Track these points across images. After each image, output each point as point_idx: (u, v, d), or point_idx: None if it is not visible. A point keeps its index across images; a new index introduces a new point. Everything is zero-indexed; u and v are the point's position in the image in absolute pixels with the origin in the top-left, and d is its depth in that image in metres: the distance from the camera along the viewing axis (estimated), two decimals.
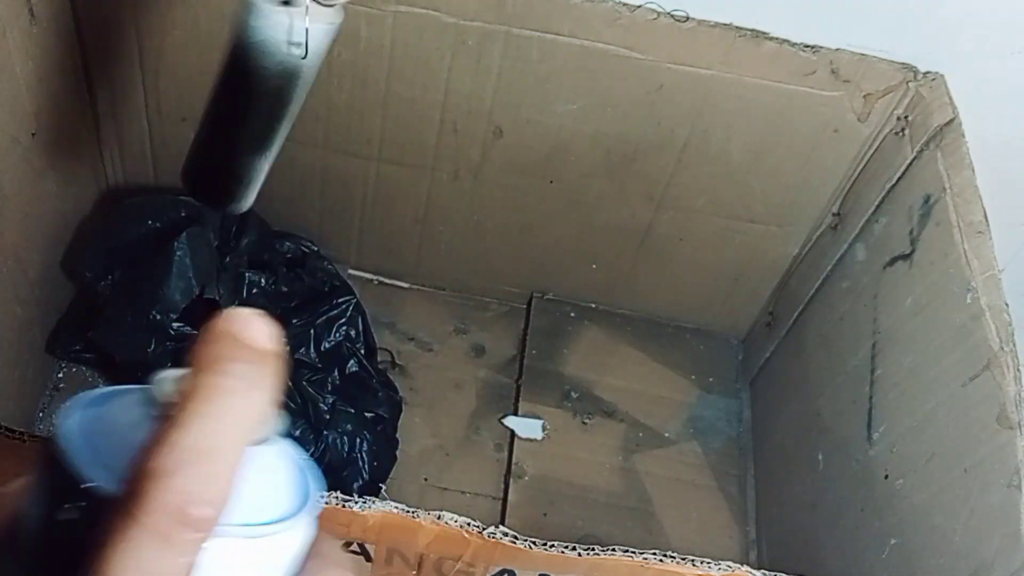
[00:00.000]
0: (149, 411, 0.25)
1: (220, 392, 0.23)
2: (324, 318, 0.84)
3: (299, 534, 0.26)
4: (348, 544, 0.50)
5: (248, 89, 0.52)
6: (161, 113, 0.83)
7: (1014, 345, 0.58)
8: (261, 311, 0.25)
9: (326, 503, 0.46)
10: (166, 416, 0.23)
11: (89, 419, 0.26)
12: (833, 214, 0.82)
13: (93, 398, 0.27)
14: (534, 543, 0.47)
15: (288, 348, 0.82)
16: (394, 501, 0.47)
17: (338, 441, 0.80)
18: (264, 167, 0.57)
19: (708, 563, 0.47)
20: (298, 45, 0.50)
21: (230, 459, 0.23)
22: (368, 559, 0.51)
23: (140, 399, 0.25)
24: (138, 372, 0.81)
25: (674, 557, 0.47)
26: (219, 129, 0.55)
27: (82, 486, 0.23)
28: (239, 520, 0.24)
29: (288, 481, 0.27)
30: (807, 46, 0.72)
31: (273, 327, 0.24)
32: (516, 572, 0.50)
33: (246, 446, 0.23)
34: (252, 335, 0.24)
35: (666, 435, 0.92)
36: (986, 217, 0.64)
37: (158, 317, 0.78)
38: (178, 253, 0.79)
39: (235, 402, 0.23)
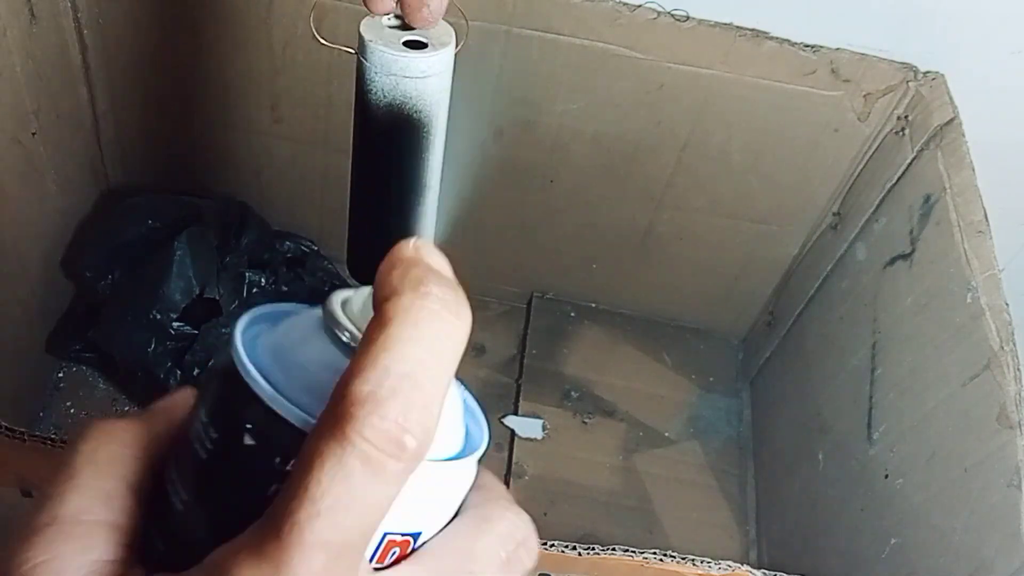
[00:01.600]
0: (329, 332, 0.24)
1: (429, 315, 0.21)
2: None
3: (471, 470, 0.26)
4: None
5: (393, 147, 0.49)
6: (161, 113, 0.83)
7: (1014, 345, 0.58)
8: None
9: None
10: (367, 338, 0.21)
11: (260, 341, 0.25)
12: (833, 214, 0.82)
13: (262, 315, 0.26)
14: None
15: None
16: None
17: None
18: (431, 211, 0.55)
19: (708, 562, 0.47)
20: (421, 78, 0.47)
21: (441, 388, 0.22)
22: None
23: (314, 321, 0.24)
24: (138, 372, 0.81)
25: (674, 556, 0.47)
26: (385, 208, 0.53)
27: (270, 408, 0.22)
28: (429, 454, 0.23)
29: (462, 417, 0.27)
30: (807, 46, 0.72)
31: (446, 258, 0.23)
32: None
33: (452, 376, 0.22)
34: (440, 265, 0.23)
35: (666, 435, 0.92)
36: (986, 217, 0.64)
37: (158, 317, 0.78)
38: (178, 253, 0.79)
39: (442, 327, 0.22)
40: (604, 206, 0.87)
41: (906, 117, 0.74)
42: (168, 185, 0.89)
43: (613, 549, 0.47)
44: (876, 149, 0.77)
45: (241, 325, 0.25)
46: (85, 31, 0.76)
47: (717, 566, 0.47)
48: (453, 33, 0.47)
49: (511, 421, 0.91)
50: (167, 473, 0.25)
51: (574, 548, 0.47)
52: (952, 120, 0.70)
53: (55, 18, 0.73)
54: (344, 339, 0.24)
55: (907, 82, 0.72)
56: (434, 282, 0.22)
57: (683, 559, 0.47)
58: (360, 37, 0.45)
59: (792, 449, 0.84)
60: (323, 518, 0.20)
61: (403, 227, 0.54)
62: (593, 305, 0.99)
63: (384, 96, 0.47)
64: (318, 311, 0.25)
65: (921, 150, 0.72)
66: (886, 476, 0.67)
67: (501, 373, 0.95)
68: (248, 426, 0.23)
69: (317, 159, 0.85)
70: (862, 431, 0.71)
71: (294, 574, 0.20)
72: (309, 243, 0.91)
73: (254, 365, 0.23)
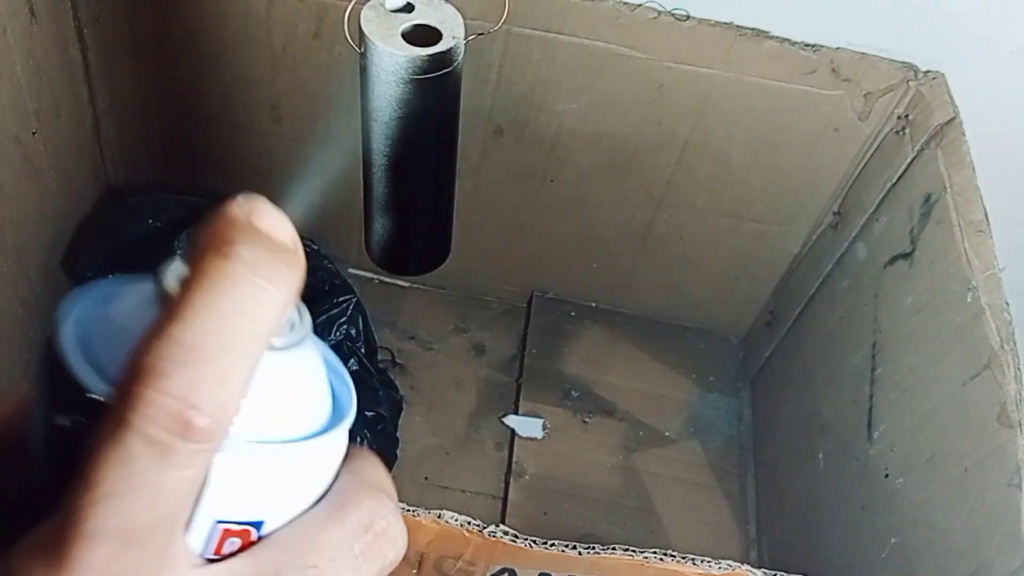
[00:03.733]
0: (156, 299, 0.21)
1: (230, 280, 0.19)
2: (324, 317, 0.84)
3: (329, 451, 0.23)
4: None
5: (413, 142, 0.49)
6: (161, 113, 0.83)
7: (1014, 344, 0.58)
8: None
9: None
10: (165, 306, 0.19)
11: (91, 315, 0.23)
12: (834, 213, 0.82)
13: (98, 290, 0.24)
14: (534, 542, 0.47)
15: None
16: None
17: None
18: (450, 214, 0.54)
19: (708, 562, 0.47)
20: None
21: (240, 360, 0.19)
22: None
23: (147, 291, 0.22)
24: None
25: (674, 556, 0.47)
26: (407, 197, 0.52)
27: (80, 391, 0.20)
28: (259, 435, 0.21)
29: (318, 393, 0.23)
30: (807, 45, 0.72)
31: (288, 218, 0.21)
32: (516, 571, 0.50)
33: (262, 348, 0.20)
34: (272, 226, 0.20)
35: (666, 434, 0.92)
36: (986, 216, 0.64)
37: None
38: (178, 252, 0.79)
39: (247, 293, 0.19)
40: (604, 206, 0.87)
41: (906, 116, 0.74)
42: (168, 185, 0.89)
43: (613, 548, 0.47)
44: (876, 148, 0.77)
45: (79, 293, 0.23)
46: (85, 30, 0.76)
47: (717, 565, 0.47)
48: (460, 17, 0.47)
49: (511, 420, 0.91)
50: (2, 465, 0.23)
51: (574, 548, 0.47)
52: (952, 119, 0.70)
53: (55, 18, 0.73)
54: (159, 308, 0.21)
55: (907, 81, 0.72)
56: (245, 242, 0.19)
57: (683, 558, 0.47)
58: (362, 35, 0.45)
59: (792, 448, 0.84)
60: (103, 504, 0.19)
61: (425, 208, 0.54)
62: (593, 304, 0.99)
63: (395, 94, 0.46)
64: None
65: (921, 149, 0.72)
66: (886, 475, 0.67)
67: (501, 372, 0.95)
68: (63, 405, 0.21)
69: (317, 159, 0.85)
70: (862, 430, 0.71)
71: (77, 566, 0.19)
72: (309, 243, 0.91)
73: (75, 342, 0.21)
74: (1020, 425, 0.55)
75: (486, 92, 0.78)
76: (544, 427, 0.91)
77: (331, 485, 0.24)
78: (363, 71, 0.48)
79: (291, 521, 0.23)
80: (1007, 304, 0.60)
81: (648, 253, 0.91)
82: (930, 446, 0.63)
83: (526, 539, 0.47)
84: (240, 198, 0.20)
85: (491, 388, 0.93)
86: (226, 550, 0.22)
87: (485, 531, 0.47)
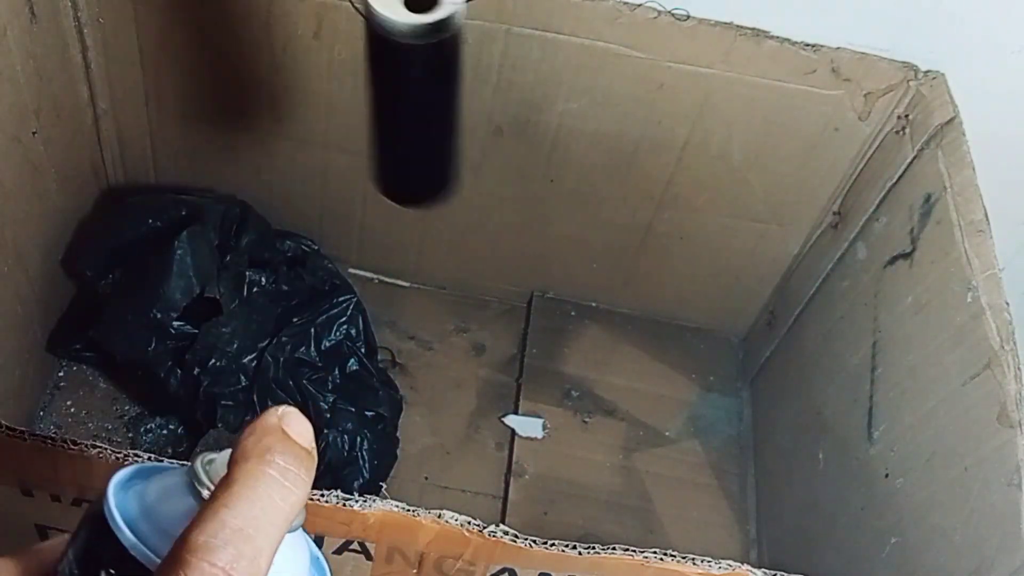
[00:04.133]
0: (191, 488, 0.27)
1: (268, 481, 0.25)
2: (324, 317, 0.84)
3: None
4: (348, 543, 0.50)
5: (401, 70, 0.50)
6: (161, 113, 0.83)
7: (1014, 344, 0.58)
8: (298, 412, 0.27)
9: (326, 502, 0.46)
10: (213, 495, 0.25)
11: (134, 490, 0.28)
12: (834, 213, 0.82)
13: (137, 471, 0.29)
14: (534, 542, 0.47)
15: (288, 348, 0.82)
16: (395, 500, 0.48)
17: (338, 440, 0.80)
18: (454, 143, 0.55)
19: (708, 562, 0.47)
20: None
21: (270, 543, 0.24)
22: (368, 557, 0.51)
23: (182, 477, 0.27)
24: (138, 371, 0.81)
25: (674, 556, 0.47)
26: (400, 124, 0.54)
27: (128, 552, 0.25)
28: None
29: (306, 568, 0.29)
30: (807, 45, 0.72)
31: (310, 426, 0.27)
32: (516, 571, 0.50)
33: (284, 534, 0.25)
34: (298, 433, 0.26)
35: (666, 434, 0.92)
36: (987, 216, 0.64)
37: (159, 316, 0.78)
38: (178, 252, 0.79)
39: (280, 492, 0.25)
40: (604, 205, 0.87)
41: (906, 116, 0.74)
42: (168, 184, 0.89)
43: (613, 548, 0.47)
44: (876, 148, 0.77)
45: (118, 476, 0.28)
46: (85, 30, 0.76)
47: (717, 565, 0.47)
48: None
49: (511, 420, 0.91)
50: None
51: (574, 547, 0.47)
52: (952, 119, 0.70)
53: (55, 17, 0.73)
54: (203, 494, 0.27)
55: (907, 81, 0.72)
56: (279, 452, 0.25)
57: (683, 558, 0.47)
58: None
59: (792, 448, 0.84)
60: None
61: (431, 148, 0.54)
62: (593, 304, 0.99)
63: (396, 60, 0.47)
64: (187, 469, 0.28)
65: (921, 149, 0.72)
66: (886, 475, 0.67)
67: (501, 372, 0.95)
68: (107, 567, 0.25)
69: (317, 158, 0.85)
70: (862, 430, 0.71)
71: None
72: (309, 242, 0.91)
73: (120, 512, 0.26)
74: (1020, 425, 0.55)
75: (486, 92, 0.78)
76: (544, 427, 0.91)
77: None
78: (367, 38, 0.50)
79: None
80: (1007, 304, 0.60)
81: (648, 253, 0.91)
82: (930, 446, 0.63)
83: (526, 539, 0.47)
84: (279, 410, 0.26)
85: (491, 388, 0.93)
86: None
87: (485, 531, 0.47)
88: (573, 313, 0.99)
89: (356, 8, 0.50)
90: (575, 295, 0.99)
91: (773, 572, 0.47)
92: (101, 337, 0.81)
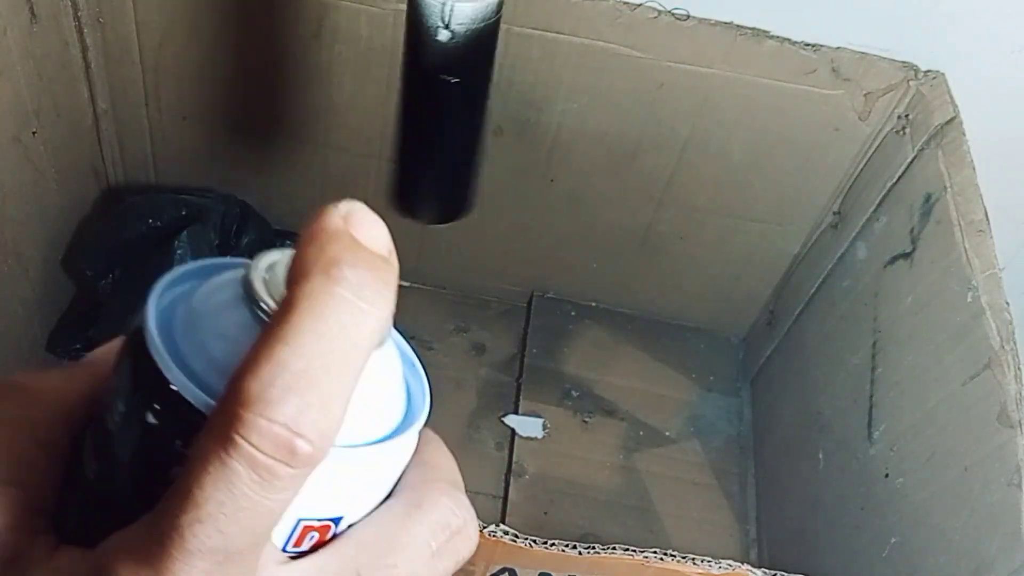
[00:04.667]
0: (248, 303, 0.21)
1: (336, 304, 0.19)
2: None
3: (404, 449, 0.24)
4: None
5: (433, 91, 0.50)
6: (161, 113, 0.83)
7: (1015, 344, 0.58)
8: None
9: None
10: (269, 326, 0.19)
11: (180, 304, 0.23)
12: (834, 213, 0.82)
13: (184, 273, 0.24)
14: (534, 542, 0.47)
15: None
16: None
17: None
18: (478, 162, 0.55)
19: (709, 562, 0.47)
20: (450, 27, 0.49)
21: (343, 386, 0.19)
22: None
23: (236, 283, 0.22)
24: None
25: (675, 556, 0.47)
26: (428, 142, 0.54)
27: (175, 392, 0.21)
28: (343, 440, 0.21)
29: (396, 392, 0.24)
30: (808, 45, 0.72)
31: (383, 225, 0.21)
32: (517, 570, 0.50)
33: (362, 369, 0.20)
34: (371, 237, 0.20)
35: (667, 434, 0.92)
36: (987, 215, 0.64)
37: None
38: (178, 252, 0.79)
39: (352, 316, 0.19)
40: (604, 205, 0.87)
41: (907, 116, 0.74)
42: (168, 184, 0.89)
43: (614, 548, 0.47)
44: (877, 148, 0.77)
45: (161, 285, 0.23)
46: (85, 30, 0.76)
47: (717, 565, 0.47)
48: None
49: (511, 420, 0.91)
50: (84, 438, 0.24)
51: (575, 547, 0.47)
52: (953, 119, 0.70)
53: (55, 17, 0.73)
54: (260, 314, 0.21)
55: (908, 81, 0.72)
56: (349, 263, 0.19)
57: (684, 558, 0.47)
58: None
59: (792, 448, 0.84)
60: (206, 524, 0.19)
61: (463, 168, 0.55)
62: (593, 304, 0.99)
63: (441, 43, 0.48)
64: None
65: (922, 149, 0.71)
66: (886, 475, 0.67)
67: (501, 372, 0.95)
68: (152, 404, 0.21)
69: (317, 157, 0.85)
70: (862, 430, 0.71)
71: None
72: None
73: (164, 337, 0.21)
74: (1020, 425, 0.55)
75: None
76: (544, 427, 0.91)
77: (403, 475, 0.24)
78: (407, 21, 0.50)
79: (368, 515, 0.24)
80: (1007, 304, 0.60)
81: (648, 253, 0.91)
82: (930, 446, 0.63)
83: (526, 539, 0.47)
84: (344, 206, 0.20)
85: (491, 388, 0.93)
86: (305, 544, 0.23)
87: (485, 531, 0.47)
88: (573, 313, 0.99)
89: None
90: (575, 295, 0.98)
91: (773, 572, 0.47)
92: (101, 337, 0.81)
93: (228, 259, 0.23)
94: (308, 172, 0.87)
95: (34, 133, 0.73)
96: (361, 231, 0.20)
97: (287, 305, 0.19)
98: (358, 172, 0.86)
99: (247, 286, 0.21)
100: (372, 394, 0.23)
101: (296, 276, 0.20)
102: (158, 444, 0.21)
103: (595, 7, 0.71)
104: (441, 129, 0.53)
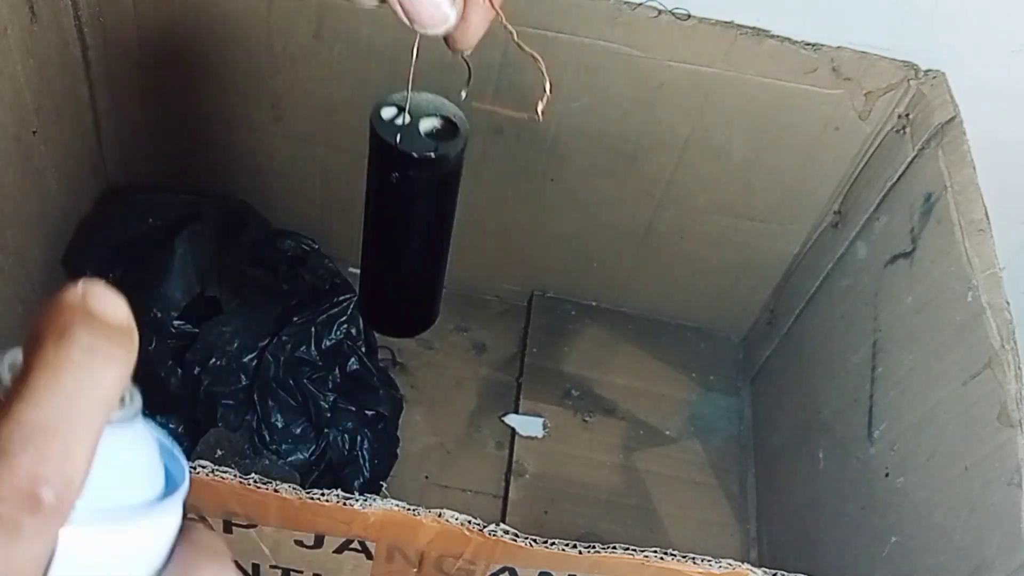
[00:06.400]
0: None
1: (71, 361, 0.20)
2: (325, 316, 0.84)
3: (166, 520, 0.24)
4: (349, 542, 0.50)
5: (404, 212, 0.51)
6: (161, 112, 0.83)
7: (1015, 343, 0.58)
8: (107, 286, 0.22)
9: (327, 501, 0.47)
10: (9, 391, 0.20)
11: None
12: (834, 212, 0.82)
13: None
14: (535, 541, 0.47)
15: (289, 347, 0.82)
16: (395, 499, 0.48)
17: (339, 439, 0.80)
18: (441, 281, 0.57)
19: (709, 561, 0.47)
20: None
21: (83, 437, 0.20)
22: (369, 557, 0.51)
23: None
24: (138, 370, 0.81)
25: (675, 555, 0.47)
26: (398, 266, 0.55)
27: None
28: (99, 506, 0.22)
29: (152, 464, 0.25)
30: (808, 44, 0.72)
31: (123, 300, 0.22)
32: (517, 570, 0.50)
33: (102, 423, 0.21)
34: (106, 308, 0.21)
35: (667, 433, 0.92)
36: (987, 215, 0.64)
37: (159, 315, 0.78)
38: (179, 251, 0.79)
39: (89, 374, 0.20)
40: (604, 205, 0.87)
41: (907, 115, 0.74)
42: (169, 183, 0.89)
43: (614, 547, 0.47)
44: (877, 147, 0.77)
45: None
46: (86, 29, 0.76)
47: (718, 564, 0.47)
48: (463, 117, 0.50)
49: (511, 420, 0.91)
50: None
51: (575, 547, 0.47)
52: (953, 118, 0.70)
53: (56, 17, 0.73)
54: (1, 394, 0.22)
55: (908, 80, 0.72)
56: (82, 325, 0.20)
57: (684, 557, 0.47)
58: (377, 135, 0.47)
59: (792, 448, 0.84)
60: None
61: (421, 277, 0.56)
62: (594, 303, 0.99)
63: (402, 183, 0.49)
64: None
65: (922, 148, 0.72)
66: (886, 475, 0.67)
67: (502, 371, 0.95)
68: None
69: (317, 157, 0.85)
70: (863, 430, 0.71)
71: None
72: (310, 241, 0.91)
73: None
74: (1020, 424, 0.55)
75: (486, 92, 0.78)
76: (544, 426, 0.91)
77: (170, 554, 0.25)
78: (369, 160, 0.52)
79: None
80: (1007, 303, 0.60)
81: (648, 253, 0.91)
82: (930, 445, 0.63)
83: (526, 538, 0.47)
84: (79, 283, 0.21)
85: (491, 387, 0.93)
86: None
87: (485, 530, 0.47)
88: (573, 313, 0.99)
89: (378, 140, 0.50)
90: (575, 295, 0.99)
91: (773, 572, 0.47)
92: None
93: None
94: (308, 172, 0.87)
95: (34, 132, 0.73)
96: (97, 304, 0.21)
97: (24, 370, 0.20)
98: (358, 172, 0.86)
99: None
100: (128, 466, 0.23)
101: (31, 345, 0.20)
102: None
103: (595, 7, 0.71)
104: (400, 260, 0.55)
